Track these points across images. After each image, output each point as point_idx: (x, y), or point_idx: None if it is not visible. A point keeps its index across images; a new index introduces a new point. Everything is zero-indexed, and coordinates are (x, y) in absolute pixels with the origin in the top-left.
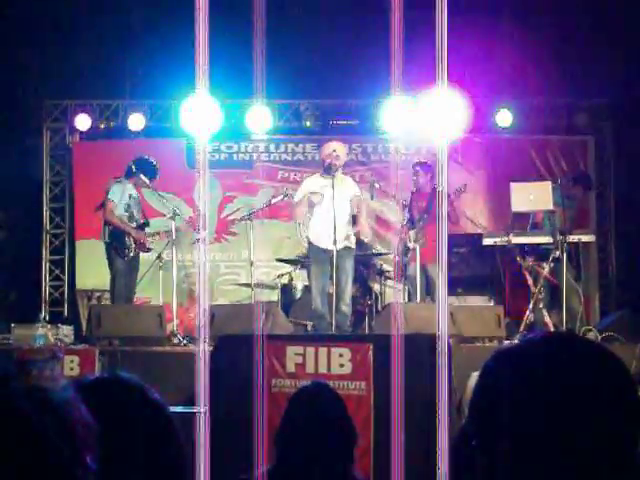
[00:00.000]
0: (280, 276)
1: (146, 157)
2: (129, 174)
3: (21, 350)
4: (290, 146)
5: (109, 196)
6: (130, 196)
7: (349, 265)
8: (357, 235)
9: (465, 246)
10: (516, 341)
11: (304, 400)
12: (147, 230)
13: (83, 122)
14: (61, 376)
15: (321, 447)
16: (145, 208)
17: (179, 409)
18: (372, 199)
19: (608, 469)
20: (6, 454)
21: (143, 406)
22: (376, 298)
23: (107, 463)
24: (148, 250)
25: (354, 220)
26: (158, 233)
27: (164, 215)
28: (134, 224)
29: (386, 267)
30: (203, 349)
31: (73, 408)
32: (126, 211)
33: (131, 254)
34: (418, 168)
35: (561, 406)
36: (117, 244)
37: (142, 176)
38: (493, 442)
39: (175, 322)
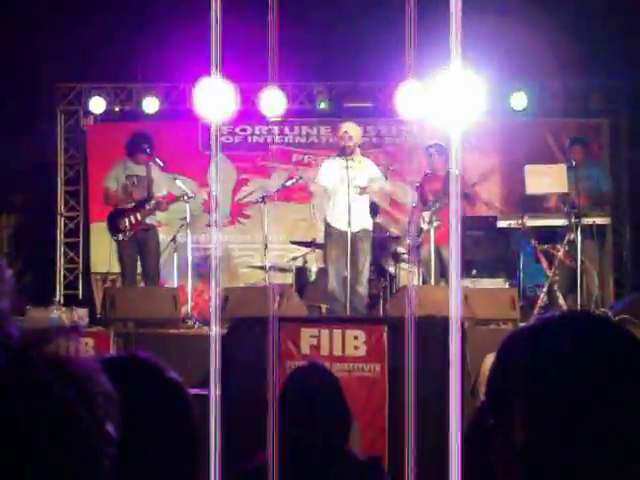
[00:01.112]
0: (294, 259)
1: (138, 131)
2: (130, 153)
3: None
4: (304, 128)
5: (103, 183)
6: (128, 176)
7: (366, 247)
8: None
9: (479, 229)
10: (533, 321)
11: (299, 380)
12: (147, 206)
13: (97, 105)
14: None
15: (315, 426)
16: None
17: (193, 391)
18: (386, 180)
19: (628, 450)
20: (26, 422)
21: (160, 385)
22: (390, 280)
23: (124, 441)
24: (147, 228)
25: (375, 210)
26: (158, 203)
27: (179, 199)
28: (132, 204)
29: (400, 249)
30: (216, 331)
31: (94, 377)
32: (125, 193)
33: (125, 237)
34: (432, 150)
35: (579, 385)
36: (111, 228)
37: (141, 151)
38: (510, 421)
39: (189, 304)
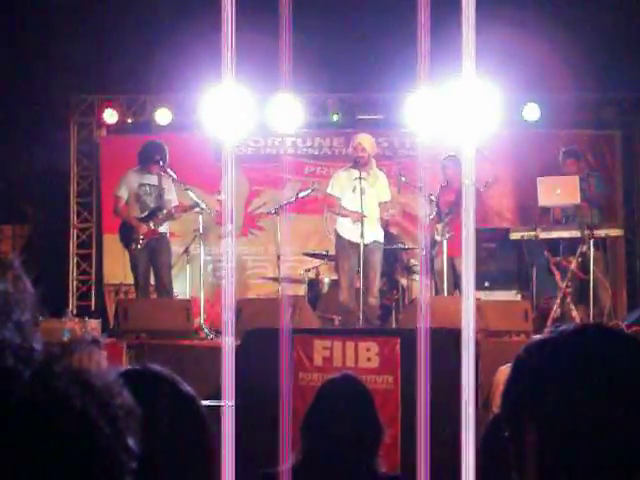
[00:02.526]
0: (307, 270)
1: (151, 141)
2: (142, 163)
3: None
4: (317, 140)
5: (115, 192)
6: (141, 185)
7: (377, 259)
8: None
9: (492, 240)
10: (547, 334)
11: (331, 392)
12: (159, 215)
13: (110, 116)
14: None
15: (346, 441)
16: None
17: (206, 403)
18: (399, 192)
19: None
20: (47, 435)
21: (174, 398)
22: (403, 292)
23: (139, 455)
24: (160, 237)
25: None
26: (170, 212)
27: (192, 208)
28: (145, 213)
29: (413, 261)
30: (229, 343)
31: (115, 391)
32: (137, 202)
33: (139, 246)
34: (447, 162)
35: (594, 397)
36: (124, 237)
37: (154, 161)
38: (524, 433)
39: (202, 316)
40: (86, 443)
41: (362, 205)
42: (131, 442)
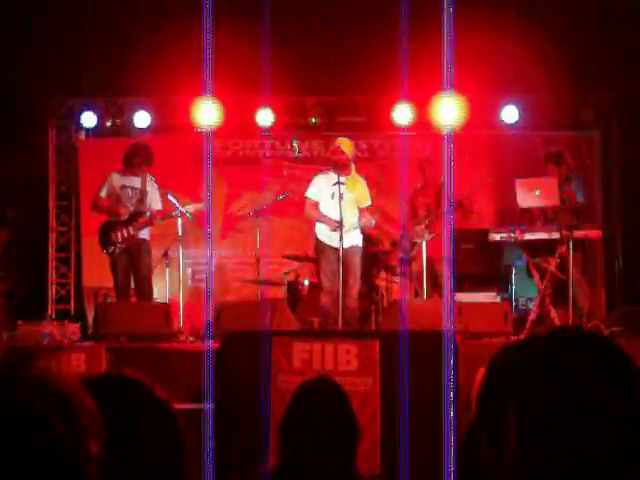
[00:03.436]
0: (287, 273)
1: (139, 143)
2: (126, 164)
3: (38, 344)
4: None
5: (97, 192)
6: (123, 187)
7: (356, 262)
8: (363, 231)
9: (472, 242)
10: (523, 336)
11: (307, 394)
12: (140, 219)
13: (89, 119)
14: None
15: (323, 443)
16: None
17: (186, 406)
18: (377, 194)
19: (617, 467)
20: (8, 439)
21: (147, 404)
22: (382, 294)
23: (109, 459)
24: (139, 242)
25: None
26: (151, 217)
27: (171, 214)
28: (125, 217)
29: (392, 263)
30: (209, 346)
31: (77, 396)
32: (118, 203)
33: (117, 250)
34: (425, 164)
35: (569, 402)
36: (103, 241)
37: (142, 163)
38: (501, 438)
39: (182, 319)
40: (46, 447)
41: (340, 210)
42: (93, 447)
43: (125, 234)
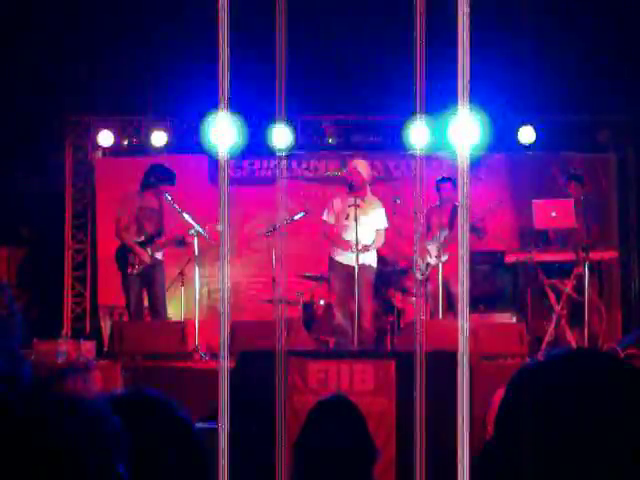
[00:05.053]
0: (301, 293)
1: (159, 164)
2: (146, 185)
3: (54, 363)
4: (312, 162)
5: (117, 214)
6: (141, 208)
7: (370, 282)
8: (378, 252)
9: (488, 263)
10: (540, 357)
11: (322, 413)
12: (157, 240)
13: (106, 138)
14: (94, 387)
15: (338, 461)
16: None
17: (200, 425)
18: (394, 214)
19: None
20: (38, 461)
21: (169, 422)
22: (398, 314)
23: (133, 478)
24: (155, 263)
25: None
26: (167, 240)
27: (182, 241)
28: (142, 237)
29: (408, 284)
30: (225, 365)
31: (104, 417)
32: (136, 225)
33: (135, 270)
34: (442, 184)
35: (586, 423)
36: (120, 261)
37: (159, 184)
38: (518, 458)
39: (197, 338)
40: (76, 468)
41: (357, 234)
42: (120, 467)
43: (143, 257)
